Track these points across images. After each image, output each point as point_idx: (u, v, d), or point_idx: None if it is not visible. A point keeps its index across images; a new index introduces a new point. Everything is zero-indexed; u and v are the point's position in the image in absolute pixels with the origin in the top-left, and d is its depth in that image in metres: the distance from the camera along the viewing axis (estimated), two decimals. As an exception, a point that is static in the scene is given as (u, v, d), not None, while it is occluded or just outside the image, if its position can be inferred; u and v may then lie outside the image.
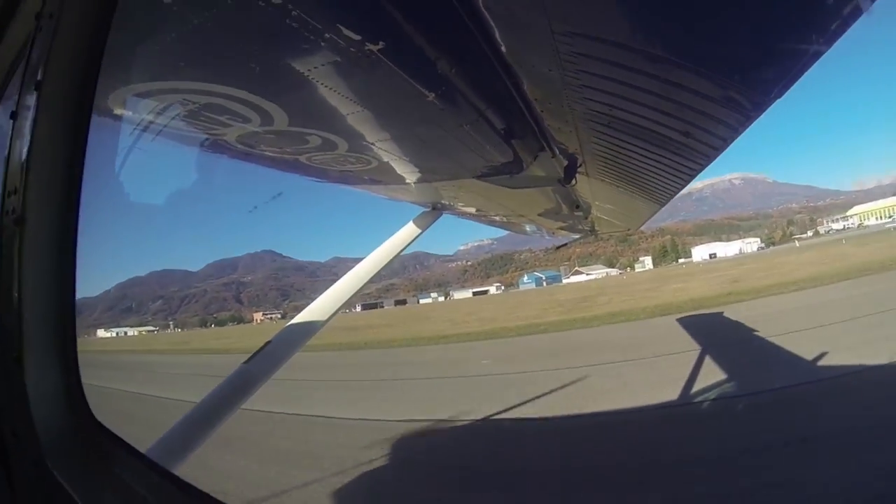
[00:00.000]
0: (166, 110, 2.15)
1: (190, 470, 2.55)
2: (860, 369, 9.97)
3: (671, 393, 10.67)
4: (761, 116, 2.12)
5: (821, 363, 11.06)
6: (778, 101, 1.91)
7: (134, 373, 28.44)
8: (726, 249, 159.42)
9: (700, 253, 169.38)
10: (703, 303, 28.79)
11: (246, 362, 3.19)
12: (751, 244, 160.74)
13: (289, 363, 3.31)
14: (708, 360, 13.01)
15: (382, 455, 9.35)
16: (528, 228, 7.41)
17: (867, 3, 1.31)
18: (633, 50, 1.73)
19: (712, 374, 11.64)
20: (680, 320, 22.22)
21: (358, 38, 1.54)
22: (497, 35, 1.73)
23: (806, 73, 1.67)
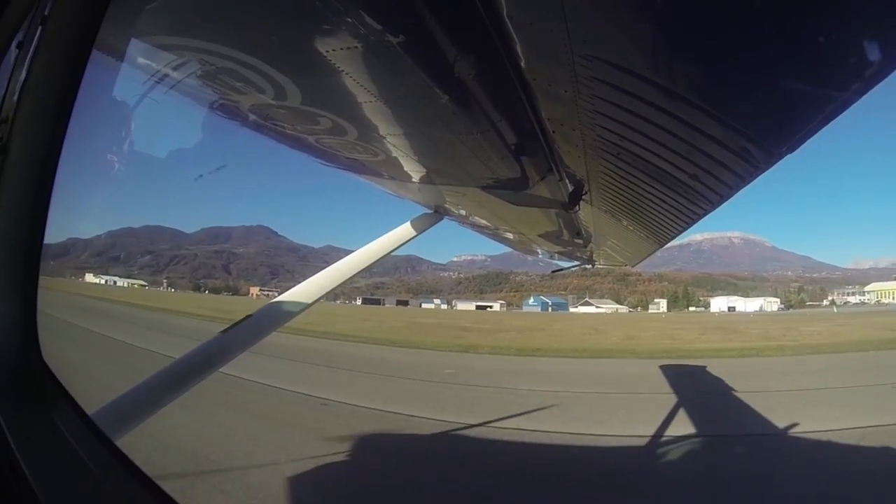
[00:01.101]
0: (182, 66, 2.14)
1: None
2: None
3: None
4: (769, 172, 2.12)
5: None
6: (788, 165, 1.91)
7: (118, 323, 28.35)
8: (746, 305, 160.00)
9: (718, 304, 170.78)
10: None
11: (224, 332, 3.15)
12: (771, 303, 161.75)
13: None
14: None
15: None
16: (528, 247, 7.40)
17: (886, 69, 1.31)
18: (651, 83, 1.71)
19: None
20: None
21: (379, 27, 1.53)
22: (518, 48, 1.71)
23: (819, 133, 1.68)
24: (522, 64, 1.84)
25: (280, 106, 2.31)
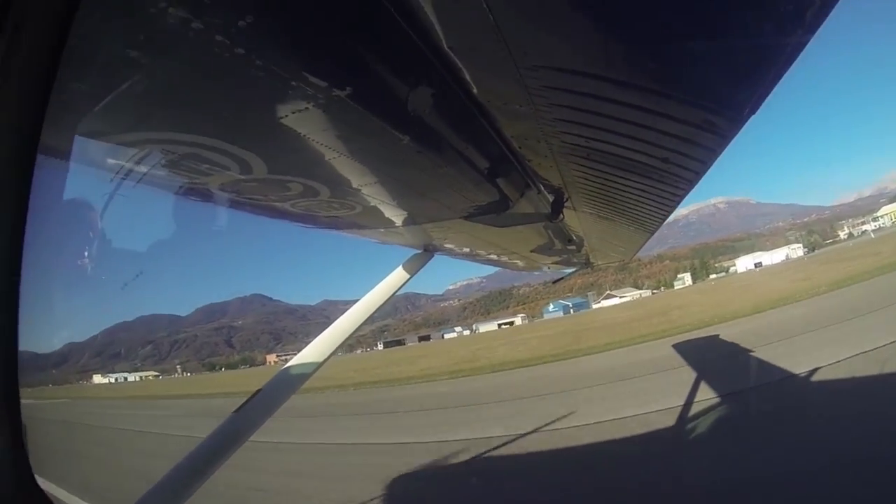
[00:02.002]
0: (144, 159, 2.11)
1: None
2: None
3: None
4: (738, 136, 2.11)
5: None
6: (753, 118, 1.90)
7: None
8: (772, 257, 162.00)
9: (745, 263, 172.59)
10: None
11: (236, 411, 3.06)
12: (796, 250, 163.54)
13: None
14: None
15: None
16: (523, 265, 7.37)
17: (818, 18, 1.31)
18: (601, 79, 1.72)
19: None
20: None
21: (324, 84, 1.52)
22: (466, 75, 1.71)
23: (777, 87, 1.67)
24: (474, 90, 1.84)
25: (248, 179, 2.29)
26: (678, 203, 3.57)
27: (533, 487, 8.94)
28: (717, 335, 22.52)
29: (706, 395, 12.45)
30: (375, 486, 10.05)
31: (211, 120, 1.77)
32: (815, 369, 12.03)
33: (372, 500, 9.42)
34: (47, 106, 1.25)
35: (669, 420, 11.28)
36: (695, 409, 11.68)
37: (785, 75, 1.65)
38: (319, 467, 13.18)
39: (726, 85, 1.81)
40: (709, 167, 2.67)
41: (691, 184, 3.02)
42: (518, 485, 9.39)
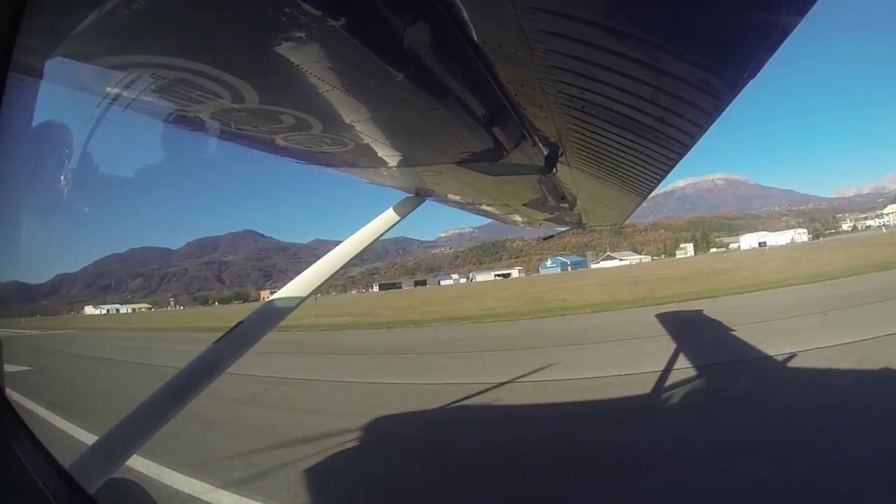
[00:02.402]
0: (134, 83, 2.08)
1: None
2: None
3: None
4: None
5: None
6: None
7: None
8: (777, 239, 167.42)
9: (748, 241, 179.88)
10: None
11: (217, 341, 3.13)
12: (801, 234, 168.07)
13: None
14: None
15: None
16: (515, 218, 7.40)
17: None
18: (599, 27, 1.70)
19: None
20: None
21: (318, 13, 1.49)
22: (464, 14, 1.68)
23: (787, 60, 1.67)
24: (472, 30, 1.81)
25: (240, 109, 2.27)
26: (671, 168, 3.57)
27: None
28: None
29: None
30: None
31: (201, 45, 1.73)
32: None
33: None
34: (20, 23, 1.23)
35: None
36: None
37: (788, 46, 1.63)
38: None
39: (727, 45, 1.79)
40: (704, 131, 2.67)
41: (686, 147, 3.02)
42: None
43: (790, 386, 10.24)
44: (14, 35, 1.16)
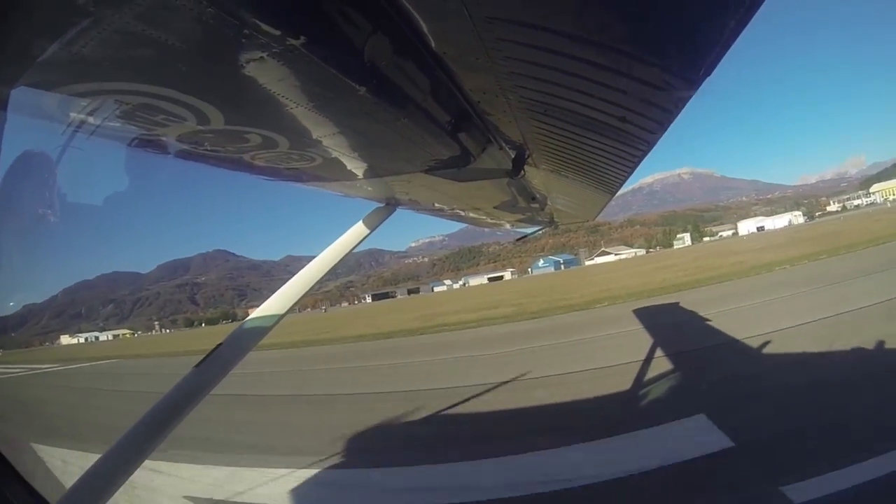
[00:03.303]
0: (98, 110, 2.06)
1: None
2: None
3: None
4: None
5: None
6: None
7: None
8: (775, 222, 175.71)
9: (747, 226, 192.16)
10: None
11: (197, 366, 3.09)
12: (798, 217, 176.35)
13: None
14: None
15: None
16: (488, 221, 7.45)
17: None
18: (555, 33, 1.75)
19: None
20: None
21: (278, 33, 1.50)
22: (422, 26, 1.71)
23: (741, 54, 1.74)
24: (431, 41, 1.84)
25: (206, 130, 2.26)
26: (636, 164, 3.65)
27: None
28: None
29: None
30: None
31: (164, 70, 1.73)
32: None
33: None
34: None
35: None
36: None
37: (743, 45, 1.70)
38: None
39: (681, 45, 1.86)
40: (666, 128, 2.74)
41: (649, 145, 3.10)
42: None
43: None
44: None
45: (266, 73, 1.75)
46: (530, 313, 32.41)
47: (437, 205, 5.33)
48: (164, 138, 2.37)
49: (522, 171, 3.56)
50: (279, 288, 3.70)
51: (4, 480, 1.32)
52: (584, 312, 28.69)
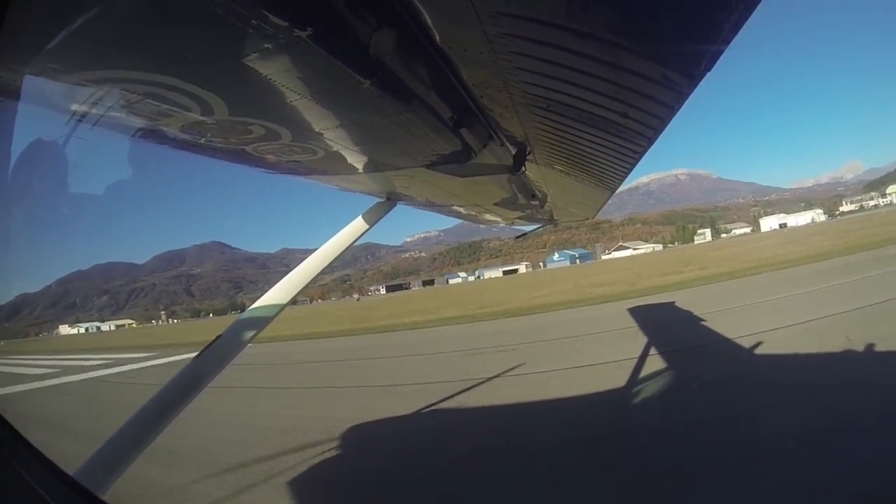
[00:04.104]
0: (104, 99, 2.06)
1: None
2: None
3: None
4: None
5: None
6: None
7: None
8: (797, 220, 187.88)
9: (769, 223, 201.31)
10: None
11: (196, 357, 3.11)
12: (820, 215, 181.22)
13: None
14: None
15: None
16: (487, 217, 7.46)
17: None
18: (559, 28, 1.76)
19: None
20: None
21: (285, 24, 1.51)
22: (427, 19, 1.72)
23: (741, 52, 1.75)
24: (436, 35, 1.84)
25: (210, 121, 2.26)
26: (637, 161, 3.66)
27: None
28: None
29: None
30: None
31: (171, 59, 1.74)
32: None
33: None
34: None
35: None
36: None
37: (743, 40, 1.71)
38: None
39: (683, 39, 1.87)
40: (666, 124, 2.75)
41: (650, 141, 3.11)
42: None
43: None
44: None
45: (272, 64, 1.76)
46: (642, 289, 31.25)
47: (437, 200, 5.33)
48: (167, 128, 2.38)
49: (523, 168, 3.56)
50: (276, 281, 3.72)
51: (23, 460, 1.33)
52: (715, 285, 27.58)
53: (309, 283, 3.77)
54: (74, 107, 2.03)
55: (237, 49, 1.66)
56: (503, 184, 4.42)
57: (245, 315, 3.46)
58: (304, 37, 1.58)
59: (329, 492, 7.28)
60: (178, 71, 1.79)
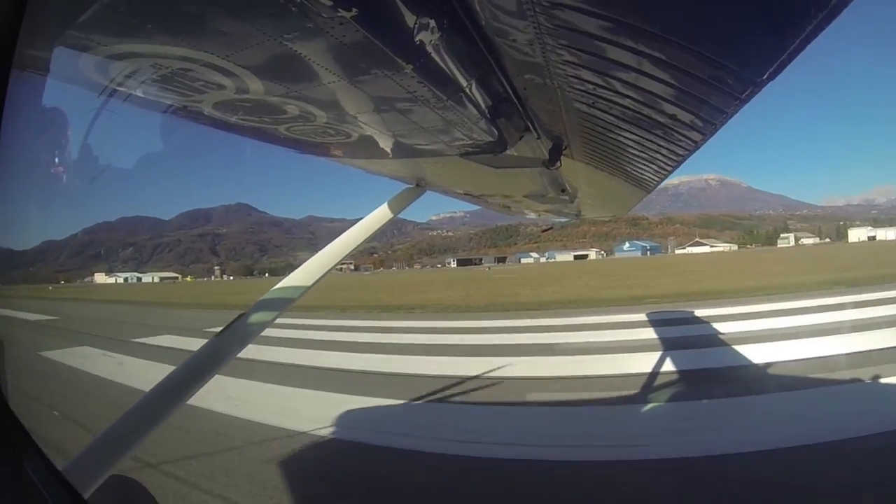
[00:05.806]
0: (137, 73, 2.04)
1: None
2: None
3: None
4: (743, 119, 2.08)
5: None
6: (763, 102, 1.86)
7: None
8: (886, 234, 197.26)
9: (857, 234, 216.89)
10: None
11: (217, 335, 3.08)
12: None
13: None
14: None
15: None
16: (510, 208, 7.36)
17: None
18: (616, 23, 1.66)
19: None
20: None
21: (330, 3, 1.43)
22: (476, 5, 1.64)
23: (798, 59, 1.61)
24: (483, 23, 1.76)
25: (244, 100, 2.22)
26: (678, 164, 3.52)
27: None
28: None
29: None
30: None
31: (207, 35, 1.68)
32: None
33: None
34: (23, 15, 1.18)
35: None
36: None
37: (808, 47, 1.59)
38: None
39: (748, 44, 1.73)
40: (716, 130, 2.60)
41: (696, 145, 2.97)
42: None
43: None
44: (18, 27, 1.12)
45: (313, 43, 1.70)
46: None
47: (467, 189, 5.26)
48: (200, 105, 2.34)
49: (558, 163, 3.46)
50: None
51: (26, 451, 1.32)
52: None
53: (336, 265, 3.75)
54: (109, 79, 2.00)
55: (278, 27, 1.60)
56: (534, 177, 4.33)
57: (267, 296, 3.43)
58: (349, 17, 1.51)
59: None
60: (213, 47, 1.74)
